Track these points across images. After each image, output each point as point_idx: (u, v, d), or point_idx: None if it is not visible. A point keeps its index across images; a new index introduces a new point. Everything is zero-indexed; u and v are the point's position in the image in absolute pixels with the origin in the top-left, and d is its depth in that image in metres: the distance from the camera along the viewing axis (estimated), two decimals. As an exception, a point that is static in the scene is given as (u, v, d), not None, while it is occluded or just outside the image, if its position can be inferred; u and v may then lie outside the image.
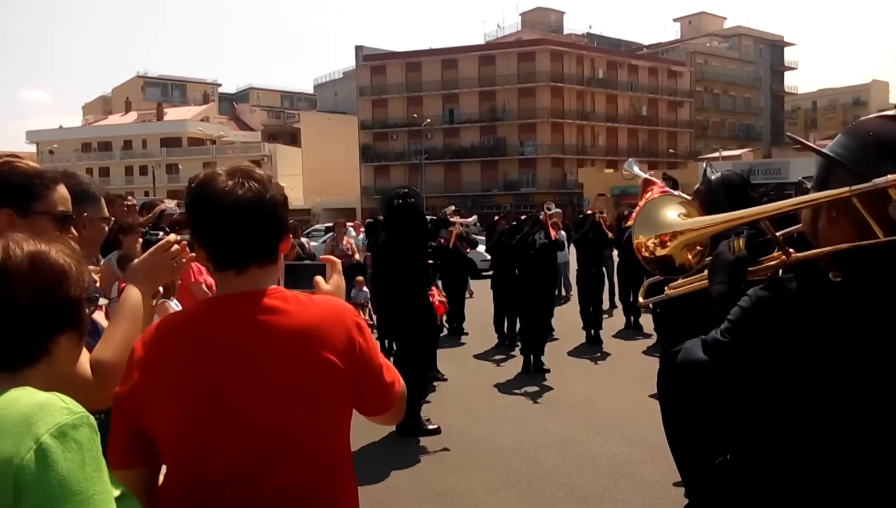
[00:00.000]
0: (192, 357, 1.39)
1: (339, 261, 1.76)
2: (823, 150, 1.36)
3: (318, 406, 1.40)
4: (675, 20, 78.49)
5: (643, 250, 1.70)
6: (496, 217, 12.08)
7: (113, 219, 2.30)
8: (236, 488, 1.36)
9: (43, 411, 1.01)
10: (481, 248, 13.82)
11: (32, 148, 63.48)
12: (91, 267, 3.84)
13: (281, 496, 1.37)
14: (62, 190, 1.77)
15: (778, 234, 1.51)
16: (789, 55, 75.64)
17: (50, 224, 1.70)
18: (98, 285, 3.51)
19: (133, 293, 1.72)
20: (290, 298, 1.44)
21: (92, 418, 1.05)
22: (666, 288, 1.83)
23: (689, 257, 1.68)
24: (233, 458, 1.36)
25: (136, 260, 1.85)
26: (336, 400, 1.43)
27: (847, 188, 1.26)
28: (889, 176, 1.20)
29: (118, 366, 1.57)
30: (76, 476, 0.97)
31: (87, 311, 1.24)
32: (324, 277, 1.68)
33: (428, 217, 6.87)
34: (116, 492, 1.10)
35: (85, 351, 1.61)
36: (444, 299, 7.39)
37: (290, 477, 1.38)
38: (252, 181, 1.44)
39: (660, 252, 1.67)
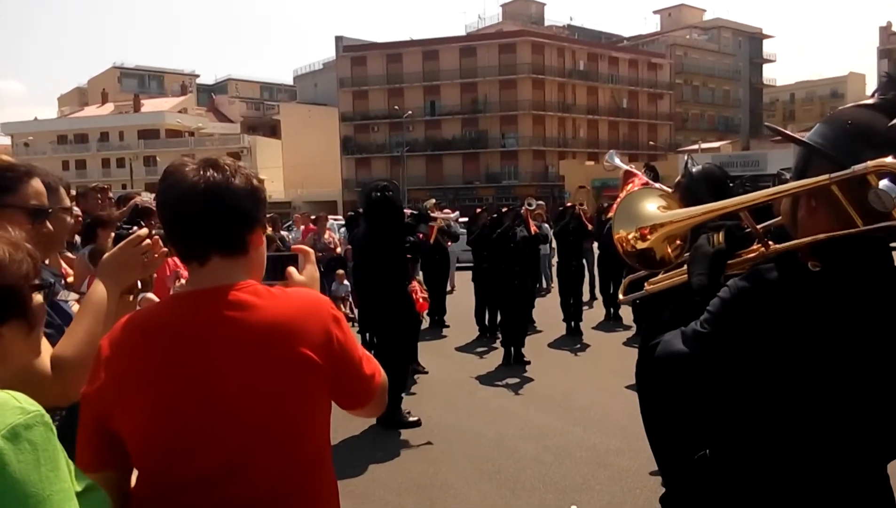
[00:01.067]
0: (158, 356, 1.34)
1: (312, 251, 1.70)
2: (803, 139, 1.35)
3: (293, 404, 1.35)
4: (655, 12, 78.89)
5: (624, 243, 1.69)
6: (477, 210, 12.07)
7: (75, 209, 2.26)
8: (207, 491, 1.31)
9: None
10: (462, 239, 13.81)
11: (7, 140, 62.46)
12: (70, 256, 3.73)
13: (256, 497, 1.32)
14: (36, 184, 1.77)
15: (759, 225, 1.50)
16: (768, 47, 76.41)
17: (22, 217, 1.71)
18: (70, 277, 3.45)
19: (98, 289, 1.68)
20: (261, 292, 1.38)
21: (47, 416, 1.02)
22: (646, 284, 1.82)
23: (670, 250, 1.68)
24: (202, 460, 1.32)
25: (106, 255, 1.80)
26: (313, 397, 1.38)
27: (827, 176, 1.26)
28: (868, 162, 1.20)
29: (78, 362, 1.53)
30: (31, 478, 0.94)
31: (35, 300, 1.19)
32: (297, 267, 1.63)
33: (408, 212, 6.83)
34: (80, 486, 1.06)
35: (49, 346, 1.57)
36: (426, 296, 7.35)
37: (264, 478, 1.33)
38: (215, 170, 1.38)
39: (640, 246, 1.66)
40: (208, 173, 1.38)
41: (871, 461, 1.36)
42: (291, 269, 1.62)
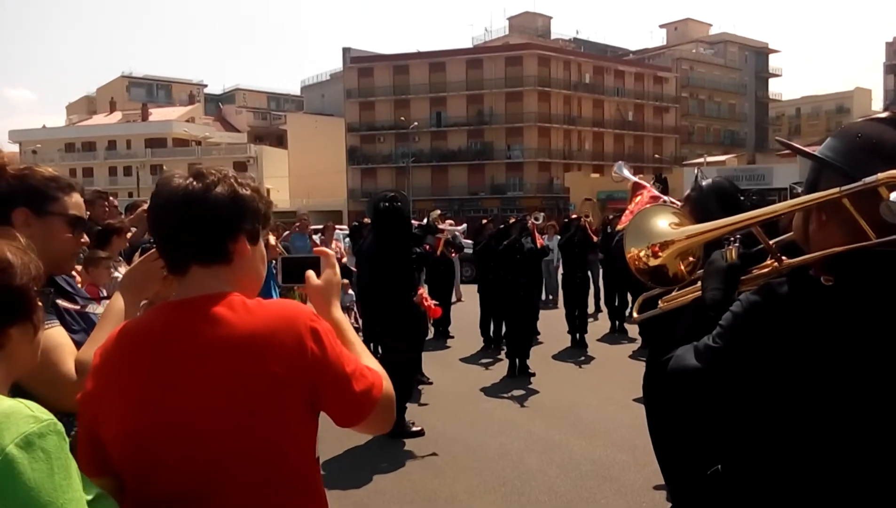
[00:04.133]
0: (134, 369, 1.32)
1: (332, 253, 1.67)
2: (814, 152, 1.35)
3: (265, 422, 1.29)
4: (661, 26, 78.81)
5: (636, 261, 1.69)
6: (483, 221, 12.08)
7: (88, 216, 2.35)
8: (191, 497, 1.29)
9: (8, 420, 0.98)
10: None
11: (15, 147, 62.69)
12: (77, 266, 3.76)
13: None
14: (76, 197, 1.90)
15: (772, 241, 1.50)
16: (774, 62, 76.41)
17: (62, 225, 1.83)
18: (80, 283, 3.47)
19: (117, 299, 1.75)
20: (236, 305, 1.33)
21: (60, 424, 1.02)
22: (660, 301, 1.81)
23: (682, 267, 1.67)
24: (175, 479, 1.29)
25: (128, 268, 1.90)
26: (287, 414, 1.30)
27: (837, 189, 1.25)
28: (879, 175, 1.19)
29: None
30: (44, 486, 0.95)
31: (41, 304, 1.21)
32: (318, 271, 1.61)
33: (416, 224, 6.83)
34: (90, 496, 1.07)
35: (74, 351, 1.64)
36: (437, 302, 7.34)
37: (239, 498, 1.29)
38: (196, 180, 1.38)
39: (653, 263, 1.66)
40: (188, 183, 1.37)
41: (886, 477, 1.35)
42: (310, 273, 1.59)
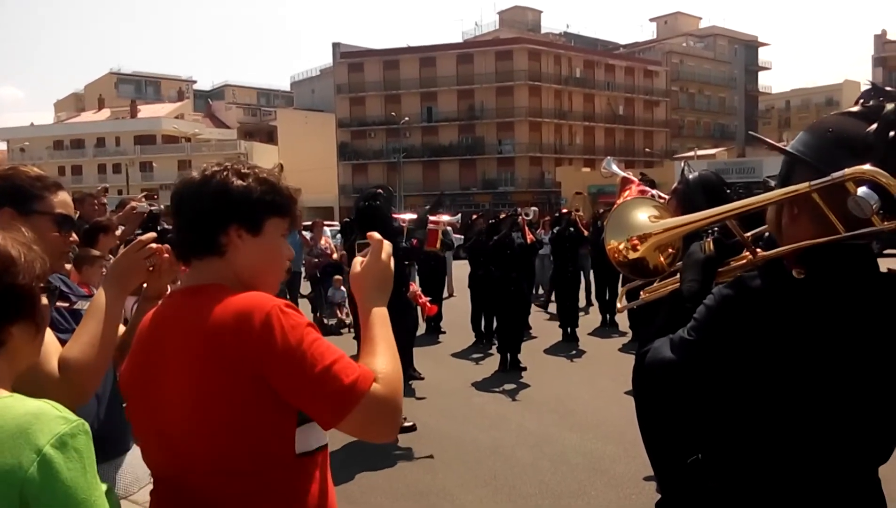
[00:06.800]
0: (134, 351, 1.45)
1: (381, 239, 1.57)
2: (786, 148, 1.38)
3: (225, 415, 1.28)
4: (651, 20, 79.23)
5: (616, 254, 1.71)
6: (474, 216, 12.09)
7: (78, 215, 2.34)
8: (164, 489, 1.39)
9: (39, 421, 1.02)
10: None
11: (3, 145, 62.22)
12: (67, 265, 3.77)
13: (207, 501, 1.32)
14: (63, 195, 1.90)
15: (747, 234, 1.53)
16: (763, 55, 76.77)
17: (49, 224, 1.82)
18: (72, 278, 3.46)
19: (100, 294, 1.73)
20: (212, 297, 1.33)
21: (86, 424, 1.07)
22: (642, 292, 1.84)
23: (662, 259, 1.70)
24: (156, 459, 1.40)
25: (112, 261, 1.89)
26: (238, 402, 1.28)
27: (806, 184, 1.28)
28: (846, 170, 1.22)
29: (84, 365, 1.59)
30: (80, 484, 1.00)
31: (43, 302, 1.21)
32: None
33: (407, 217, 6.84)
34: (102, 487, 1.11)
35: (59, 349, 1.63)
36: (430, 299, 7.34)
37: (205, 483, 1.31)
38: (201, 174, 1.43)
39: (632, 255, 1.68)
40: (189, 179, 1.44)
41: (860, 464, 1.38)
42: (356, 260, 1.55)
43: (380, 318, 1.47)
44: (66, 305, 1.95)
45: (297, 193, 1.50)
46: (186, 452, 1.33)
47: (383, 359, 1.39)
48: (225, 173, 1.41)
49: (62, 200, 1.89)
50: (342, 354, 1.33)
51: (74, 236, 1.95)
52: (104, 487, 1.10)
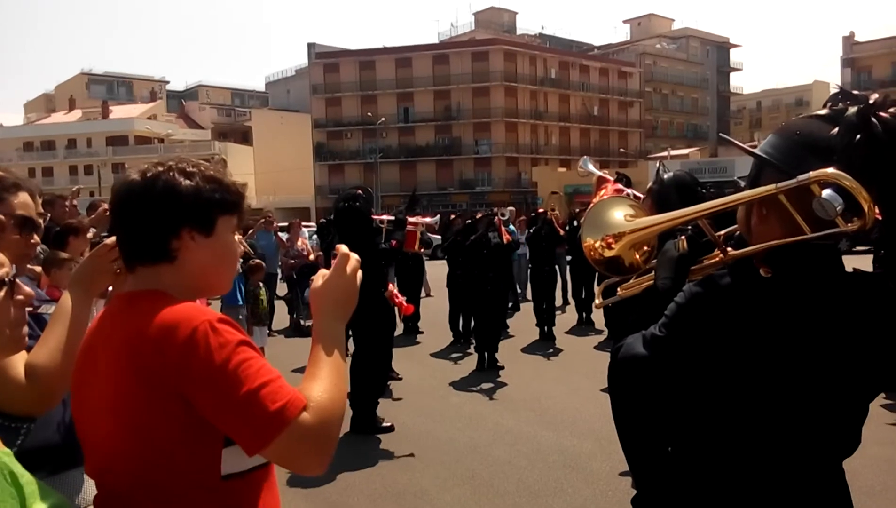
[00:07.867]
0: (79, 354, 1.41)
1: (348, 253, 1.50)
2: (754, 150, 1.42)
3: (132, 421, 1.23)
4: (624, 22, 79.84)
5: (592, 252, 1.74)
6: (452, 216, 12.12)
7: (49, 217, 2.29)
8: (100, 497, 1.34)
9: None
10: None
11: (-30, 147, 60.98)
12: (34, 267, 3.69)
13: None
14: (24, 196, 1.84)
15: (719, 233, 1.56)
16: (735, 56, 77.71)
17: (10, 227, 1.77)
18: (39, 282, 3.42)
19: (66, 298, 1.70)
20: (147, 302, 1.27)
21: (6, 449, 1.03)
22: (619, 289, 1.88)
23: (638, 256, 1.73)
24: (88, 467, 1.37)
25: (78, 265, 1.84)
26: (169, 425, 1.21)
27: (773, 186, 1.32)
28: (811, 173, 1.26)
29: (51, 370, 1.57)
30: None
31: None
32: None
33: (386, 217, 6.84)
34: (46, 504, 1.08)
35: (24, 355, 1.59)
36: (406, 298, 7.34)
37: (129, 496, 1.26)
38: (140, 175, 1.34)
39: (608, 253, 1.71)
40: (130, 180, 1.35)
41: (826, 458, 1.42)
42: (319, 273, 1.49)
43: (332, 340, 1.36)
44: (28, 309, 1.92)
45: (243, 187, 1.43)
46: (108, 464, 1.29)
47: (322, 386, 1.27)
48: (171, 173, 1.32)
49: (22, 201, 1.84)
50: (276, 377, 1.22)
51: (36, 238, 1.89)
52: (48, 501, 1.08)
